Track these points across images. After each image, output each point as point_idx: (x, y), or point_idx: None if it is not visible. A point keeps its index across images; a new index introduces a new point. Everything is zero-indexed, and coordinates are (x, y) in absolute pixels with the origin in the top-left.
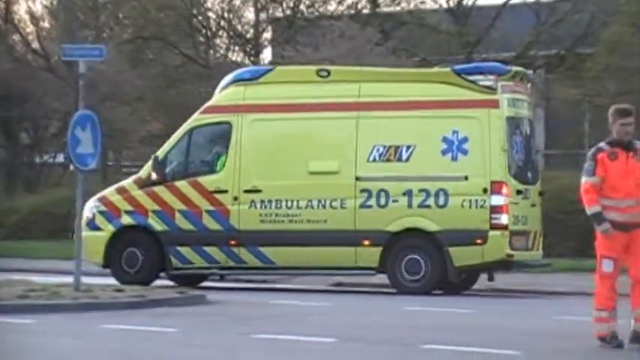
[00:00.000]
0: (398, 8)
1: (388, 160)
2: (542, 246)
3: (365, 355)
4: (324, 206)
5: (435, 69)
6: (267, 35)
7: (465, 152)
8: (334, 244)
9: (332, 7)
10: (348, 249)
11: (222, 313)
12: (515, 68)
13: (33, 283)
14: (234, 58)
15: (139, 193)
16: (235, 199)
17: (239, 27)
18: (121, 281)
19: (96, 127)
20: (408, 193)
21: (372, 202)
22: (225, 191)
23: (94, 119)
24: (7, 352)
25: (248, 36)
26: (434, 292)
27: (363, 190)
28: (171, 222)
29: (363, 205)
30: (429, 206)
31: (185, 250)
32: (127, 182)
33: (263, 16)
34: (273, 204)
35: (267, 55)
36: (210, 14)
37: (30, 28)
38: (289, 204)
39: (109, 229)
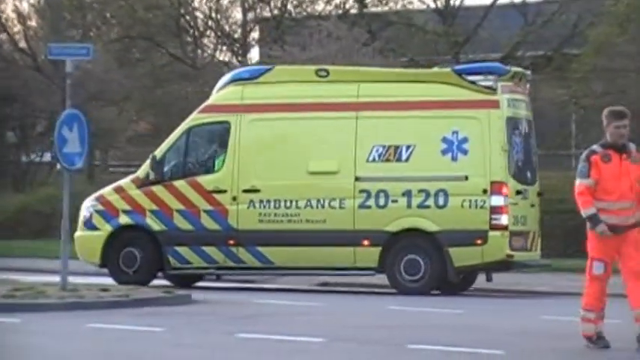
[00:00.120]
0: (386, 8)
1: (387, 160)
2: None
3: (352, 354)
4: (323, 206)
5: (435, 69)
6: (255, 35)
7: (464, 152)
8: (333, 244)
9: (320, 7)
10: (347, 249)
11: (208, 312)
12: (514, 68)
13: (19, 282)
14: (221, 58)
15: (136, 193)
16: (234, 198)
17: (226, 27)
18: (119, 281)
19: (83, 127)
20: (408, 194)
21: (372, 202)
22: (224, 191)
23: (80, 118)
24: None
25: (236, 36)
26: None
27: (362, 190)
28: (169, 222)
29: (362, 205)
30: (428, 206)
31: (183, 250)
32: (124, 181)
33: (251, 15)
34: (272, 204)
35: (254, 55)
36: (198, 14)
37: (17, 27)
38: (288, 204)
39: (107, 228)
